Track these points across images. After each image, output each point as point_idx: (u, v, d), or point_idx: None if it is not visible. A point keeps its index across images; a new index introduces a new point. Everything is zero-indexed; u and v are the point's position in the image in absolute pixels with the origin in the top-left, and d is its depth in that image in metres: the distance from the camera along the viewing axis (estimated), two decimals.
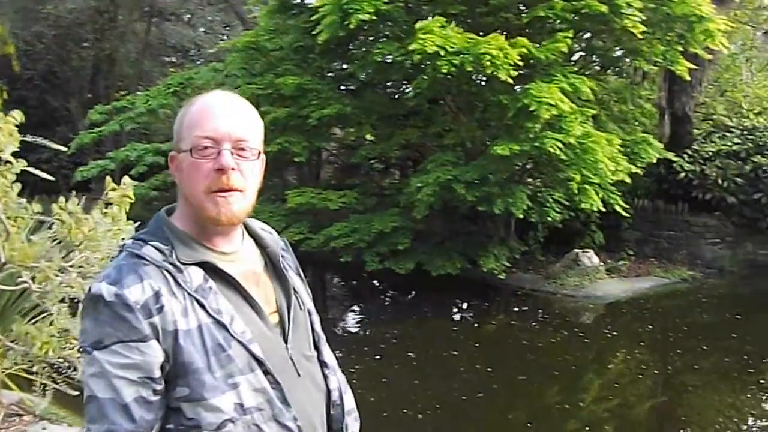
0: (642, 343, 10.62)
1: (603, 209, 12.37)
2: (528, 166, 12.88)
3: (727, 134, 15.69)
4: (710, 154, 15.20)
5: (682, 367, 9.46)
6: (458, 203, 12.18)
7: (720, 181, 14.81)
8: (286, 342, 1.85)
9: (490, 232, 13.49)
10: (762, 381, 8.77)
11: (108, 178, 4.00)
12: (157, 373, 1.65)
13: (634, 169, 12.12)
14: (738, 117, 16.42)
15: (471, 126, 12.70)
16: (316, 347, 1.97)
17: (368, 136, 14.49)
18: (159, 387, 1.66)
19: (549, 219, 13.05)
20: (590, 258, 13.29)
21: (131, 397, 1.63)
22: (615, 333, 11.17)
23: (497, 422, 7.48)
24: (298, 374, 1.83)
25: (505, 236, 13.64)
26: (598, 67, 14.44)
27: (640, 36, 11.28)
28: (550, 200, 13.20)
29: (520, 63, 10.51)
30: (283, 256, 1.98)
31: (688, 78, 13.06)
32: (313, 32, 11.91)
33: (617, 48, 13.18)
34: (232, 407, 1.68)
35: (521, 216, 12.05)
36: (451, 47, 10.41)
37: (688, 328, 11.25)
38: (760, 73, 18.93)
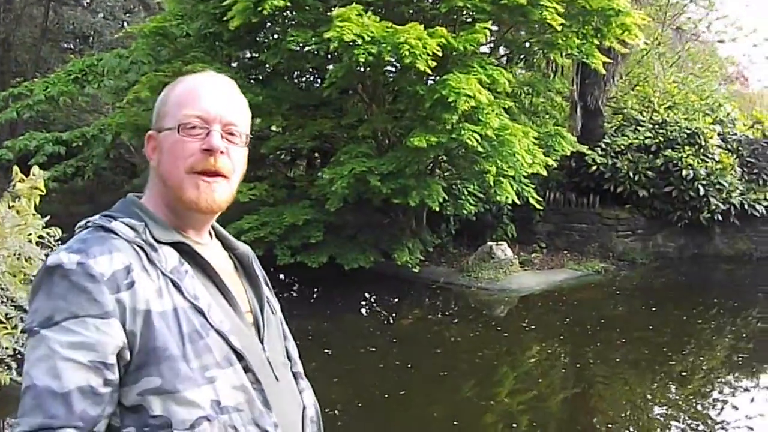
0: (558, 336, 10.56)
1: (518, 202, 12.34)
2: (439, 158, 12.72)
3: (639, 128, 15.89)
4: (622, 147, 15.38)
5: (596, 359, 9.44)
6: (372, 195, 11.93)
7: (631, 175, 15.01)
8: (262, 344, 1.62)
9: (402, 224, 13.30)
10: (671, 371, 8.87)
11: (15, 168, 3.62)
12: (112, 359, 1.39)
13: (550, 162, 12.10)
14: (649, 111, 16.63)
15: (384, 117, 12.45)
16: (289, 358, 1.76)
17: (274, 127, 14.08)
18: (112, 377, 1.39)
19: (464, 212, 12.96)
20: (504, 251, 13.24)
21: (75, 385, 1.35)
22: (533, 326, 11.12)
23: (422, 420, 7.27)
24: (276, 379, 1.61)
25: (418, 229, 13.48)
26: (505, 59, 14.37)
27: (558, 28, 11.20)
28: (465, 193, 13.11)
29: (439, 53, 10.31)
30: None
31: (604, 71, 13.10)
32: (224, 18, 11.50)
33: (532, 40, 13.09)
34: (208, 403, 1.44)
35: (437, 209, 11.86)
36: (369, 36, 10.14)
37: (603, 320, 11.29)
38: (671, 68, 19.28)
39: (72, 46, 26.75)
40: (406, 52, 9.96)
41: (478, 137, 10.61)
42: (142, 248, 1.49)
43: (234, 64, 14.29)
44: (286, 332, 1.83)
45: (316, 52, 11.94)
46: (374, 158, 11.61)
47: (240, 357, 1.51)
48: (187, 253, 1.56)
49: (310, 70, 14.39)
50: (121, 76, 14.96)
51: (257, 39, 13.43)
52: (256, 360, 1.56)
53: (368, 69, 11.48)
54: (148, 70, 13.56)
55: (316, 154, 16.36)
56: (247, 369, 1.52)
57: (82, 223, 1.56)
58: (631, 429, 7.16)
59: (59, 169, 15.21)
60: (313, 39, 11.19)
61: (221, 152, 1.56)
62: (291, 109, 13.20)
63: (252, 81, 13.63)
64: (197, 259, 1.57)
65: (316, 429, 1.74)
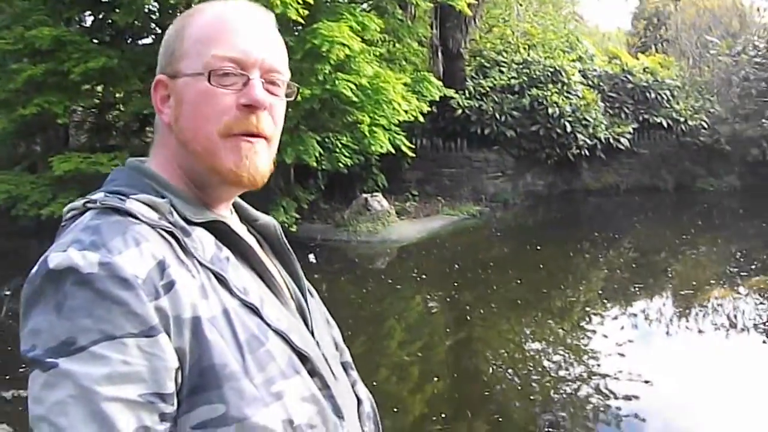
0: (441, 283, 10.58)
1: (392, 151, 12.15)
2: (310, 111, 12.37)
3: (502, 69, 15.95)
4: (486, 89, 15.43)
5: (478, 302, 9.51)
6: None
7: (497, 116, 15.13)
8: (312, 336, 1.27)
9: (271, 183, 12.88)
10: (550, 308, 9.22)
11: None
12: (171, 387, 1.01)
13: (424, 108, 11.97)
14: (509, 52, 16.72)
15: None
16: (335, 347, 1.41)
17: (117, 94, 13.29)
18: (170, 410, 1.01)
19: (340, 165, 12.63)
20: (380, 202, 13.13)
21: (132, 431, 0.95)
22: (414, 276, 11.05)
23: None
24: (335, 376, 1.26)
25: (288, 187, 13.10)
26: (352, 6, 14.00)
27: None
28: (339, 145, 12.81)
29: (311, 1, 9.90)
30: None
31: (470, 13, 13.01)
32: None
33: None
34: (281, 427, 1.07)
35: (314, 164, 11.55)
36: None
37: (483, 263, 11.48)
38: (528, 9, 19.46)
39: None
40: (277, 1, 9.51)
41: (353, 87, 10.34)
42: (172, 234, 1.11)
43: (88, 25, 13.37)
44: (328, 317, 1.47)
45: (177, 9, 11.30)
46: None
47: (304, 359, 1.18)
48: (222, 234, 1.20)
49: (159, 31, 13.61)
50: None
51: None
52: (317, 359, 1.22)
53: None
54: None
55: None
56: (313, 373, 1.18)
57: (78, 204, 1.14)
58: (511, 369, 7.23)
59: None
60: None
61: (264, 108, 1.20)
62: (148, 71, 12.51)
63: (106, 44, 12.76)
64: (233, 239, 1.21)
65: (374, 427, 1.38)
